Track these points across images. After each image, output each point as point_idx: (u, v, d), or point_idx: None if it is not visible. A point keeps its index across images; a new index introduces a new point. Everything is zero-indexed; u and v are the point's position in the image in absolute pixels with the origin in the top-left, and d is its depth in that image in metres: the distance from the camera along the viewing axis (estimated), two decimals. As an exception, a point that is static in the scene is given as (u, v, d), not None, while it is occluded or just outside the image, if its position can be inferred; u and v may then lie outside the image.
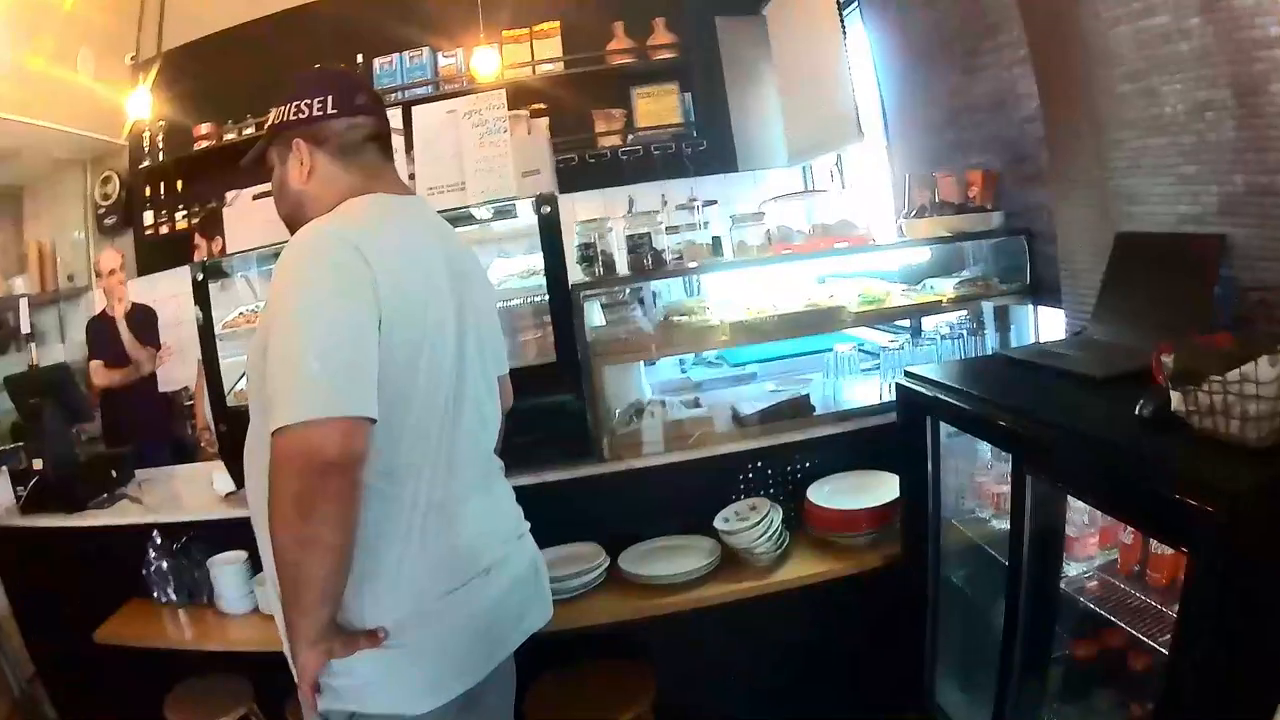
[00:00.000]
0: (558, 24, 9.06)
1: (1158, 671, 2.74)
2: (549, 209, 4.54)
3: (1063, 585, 3.18)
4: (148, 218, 9.51)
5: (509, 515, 3.17)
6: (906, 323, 5.89)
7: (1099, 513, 3.17)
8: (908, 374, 4.00)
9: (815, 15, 7.43)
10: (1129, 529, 3.02)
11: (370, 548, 2.59)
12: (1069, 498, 3.09)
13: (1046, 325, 5.08)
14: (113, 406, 7.87)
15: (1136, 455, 2.61)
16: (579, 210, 4.98)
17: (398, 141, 4.31)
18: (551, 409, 4.55)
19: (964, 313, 5.25)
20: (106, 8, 8.84)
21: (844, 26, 6.97)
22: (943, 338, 5.23)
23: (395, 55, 9.07)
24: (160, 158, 9.43)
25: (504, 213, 4.78)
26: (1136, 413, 2.75)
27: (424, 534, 2.72)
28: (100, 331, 7.90)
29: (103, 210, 9.79)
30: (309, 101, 2.87)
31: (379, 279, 2.53)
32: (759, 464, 4.82)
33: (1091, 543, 3.23)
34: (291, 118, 2.88)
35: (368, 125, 2.95)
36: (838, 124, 7.28)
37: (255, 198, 4.83)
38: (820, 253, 5.23)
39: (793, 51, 8.41)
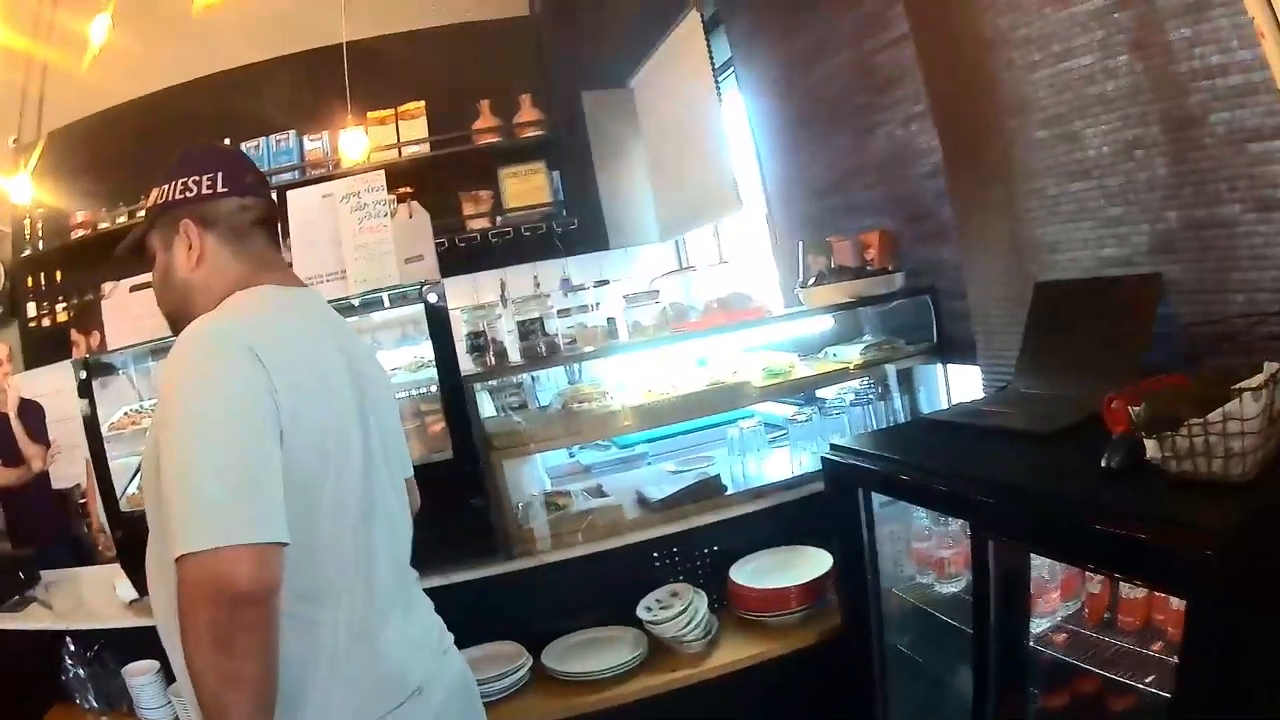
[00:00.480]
0: (423, 104, 8.88)
1: (1146, 709, 2.70)
2: (437, 298, 4.36)
3: (1029, 642, 3.08)
4: (30, 309, 9.09)
5: (432, 628, 2.90)
6: (800, 395, 5.71)
7: (1059, 567, 3.08)
8: (834, 447, 3.85)
9: (687, 84, 7.32)
10: (1095, 579, 2.97)
11: (293, 680, 2.30)
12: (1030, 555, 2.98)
13: (957, 384, 5.07)
14: (10, 505, 7.51)
15: (1117, 507, 2.51)
16: (450, 296, 4.75)
17: None
18: (452, 506, 4.33)
19: (866, 379, 5.13)
20: None
21: (720, 93, 6.84)
22: (851, 404, 5.10)
23: (261, 139, 8.78)
24: (40, 246, 9.08)
25: (396, 300, 4.59)
26: (1104, 464, 2.67)
27: (349, 659, 2.46)
28: None
29: None
30: (196, 179, 2.62)
31: (277, 384, 2.28)
32: (674, 548, 4.65)
33: (1054, 597, 3.13)
34: (177, 196, 2.62)
35: (257, 207, 2.70)
36: (715, 194, 7.12)
37: (133, 289, 4.60)
38: (721, 328, 5.08)
39: (662, 123, 8.32)
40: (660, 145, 8.52)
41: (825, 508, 3.98)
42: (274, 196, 2.87)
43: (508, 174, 8.99)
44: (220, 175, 2.63)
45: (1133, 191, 3.61)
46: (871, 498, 3.66)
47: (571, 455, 6.48)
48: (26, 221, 9.03)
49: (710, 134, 7.00)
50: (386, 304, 4.60)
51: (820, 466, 4.42)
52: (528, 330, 4.76)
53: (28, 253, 9.10)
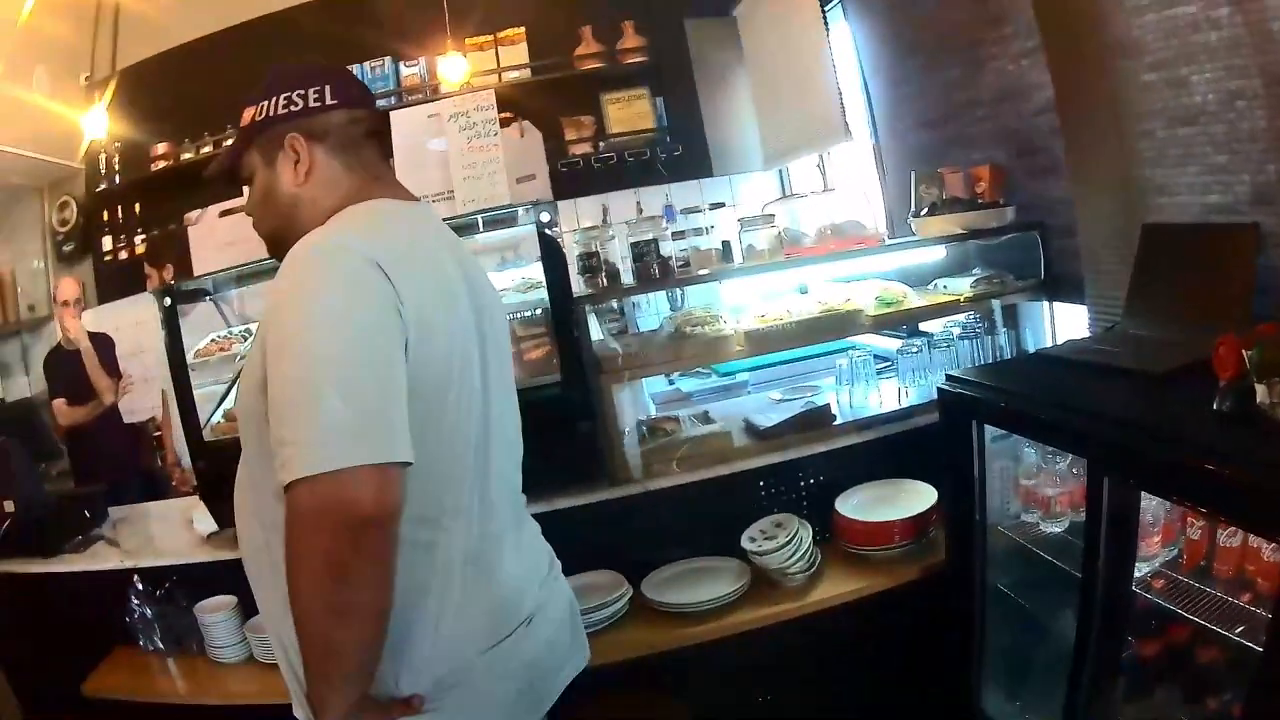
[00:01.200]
0: (523, 30, 8.76)
1: (1229, 661, 2.74)
2: (549, 218, 4.29)
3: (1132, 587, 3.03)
4: (106, 243, 9.07)
5: (542, 554, 2.86)
6: (902, 327, 5.67)
7: (1161, 511, 3.03)
8: (950, 378, 3.79)
9: (793, 13, 7.11)
10: (1195, 524, 2.92)
11: (405, 606, 2.24)
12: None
13: (1062, 322, 4.96)
14: (79, 441, 7.61)
15: (1232, 449, 2.46)
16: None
17: None
18: (559, 431, 4.26)
19: (973, 313, 5.05)
20: (61, 24, 8.54)
21: (826, 23, 6.63)
22: (959, 338, 5.01)
23: (356, 66, 8.65)
24: (117, 181, 9.02)
25: (497, 222, 4.52)
26: (1215, 407, 2.65)
27: (464, 586, 2.40)
28: (58, 365, 7.63)
29: (61, 237, 9.38)
30: (303, 92, 2.52)
31: (403, 298, 2.19)
32: (781, 478, 4.59)
33: (1155, 541, 3.07)
34: (280, 110, 2.52)
35: (368, 119, 2.62)
36: (821, 124, 6.93)
37: (222, 214, 4.59)
38: (838, 254, 4.97)
39: (767, 52, 8.09)
40: (764, 74, 8.32)
41: (936, 440, 3.94)
42: None
43: (610, 100, 8.89)
44: (328, 88, 2.53)
45: (1236, 141, 3.54)
46: (984, 430, 3.61)
47: (671, 382, 6.46)
48: (102, 157, 9.00)
49: (817, 63, 6.76)
50: (494, 224, 4.55)
51: (925, 399, 4.54)
52: (642, 252, 4.70)
53: (103, 187, 9.08)
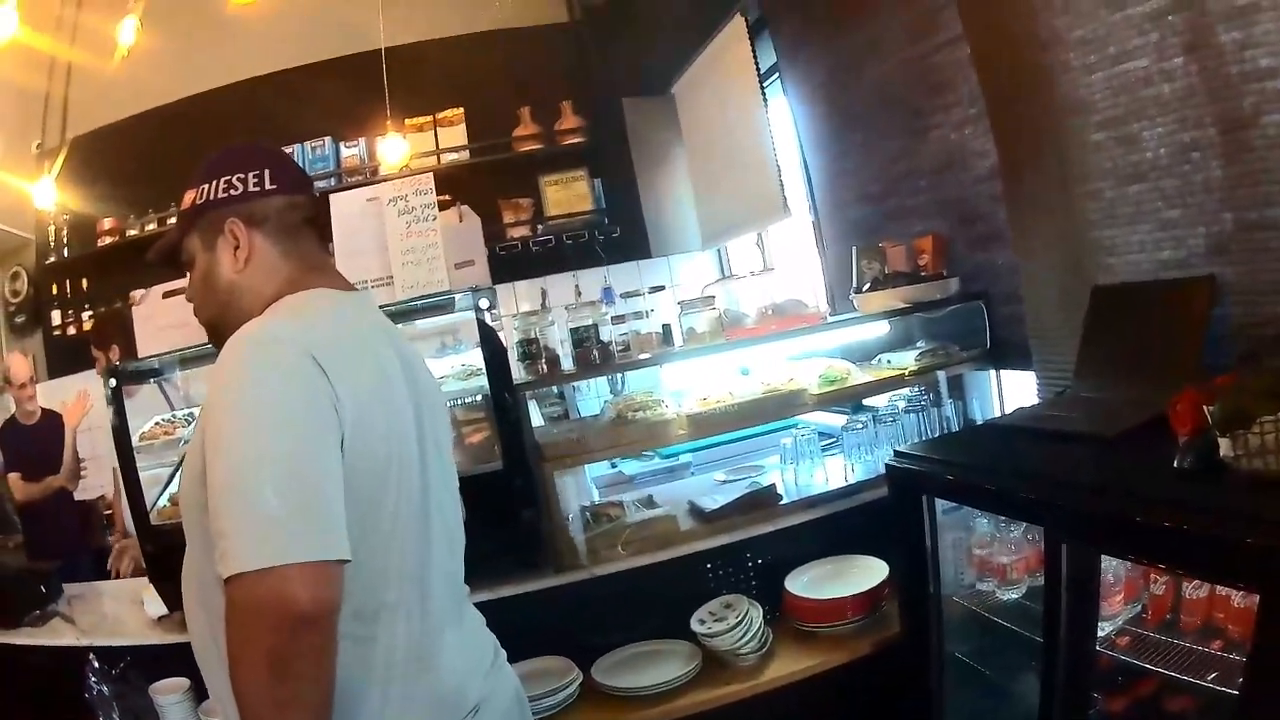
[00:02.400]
0: (462, 111, 8.85)
1: (1201, 708, 2.72)
2: (488, 304, 4.24)
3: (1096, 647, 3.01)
4: (55, 318, 8.98)
5: (486, 645, 2.77)
6: (847, 404, 5.65)
7: (1123, 569, 3.05)
8: (898, 454, 3.80)
9: (731, 90, 7.30)
10: (1160, 580, 2.94)
11: (346, 702, 2.16)
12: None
13: (1010, 390, 4.99)
14: (32, 516, 7.16)
15: (1195, 505, 2.47)
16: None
17: None
18: (502, 518, 4.23)
19: (918, 386, 5.04)
20: (11, 92, 8.61)
21: (765, 99, 6.72)
22: (905, 411, 4.98)
23: (296, 145, 8.66)
24: (65, 253, 8.97)
25: (437, 308, 4.48)
26: (1176, 464, 2.67)
27: (405, 680, 2.32)
28: (14, 438, 7.51)
29: (13, 308, 9.31)
30: (243, 176, 2.47)
31: (338, 392, 2.14)
32: (728, 560, 4.54)
33: (1117, 600, 3.07)
34: (221, 194, 2.47)
35: (306, 206, 2.57)
36: (760, 202, 6.98)
37: (166, 295, 4.50)
38: (780, 334, 4.95)
39: (705, 129, 8.18)
40: (703, 152, 8.40)
41: (885, 515, 3.91)
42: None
43: (549, 181, 8.95)
44: (268, 172, 2.49)
45: (1190, 194, 3.57)
46: (935, 504, 3.61)
47: (614, 465, 6.42)
48: (51, 228, 8.95)
49: (755, 140, 6.91)
50: (434, 310, 4.50)
51: (871, 474, 4.54)
52: (581, 337, 4.67)
53: (52, 259, 9.00)
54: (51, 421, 7.57)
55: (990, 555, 3.64)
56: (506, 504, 4.26)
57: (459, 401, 4.48)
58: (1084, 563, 2.86)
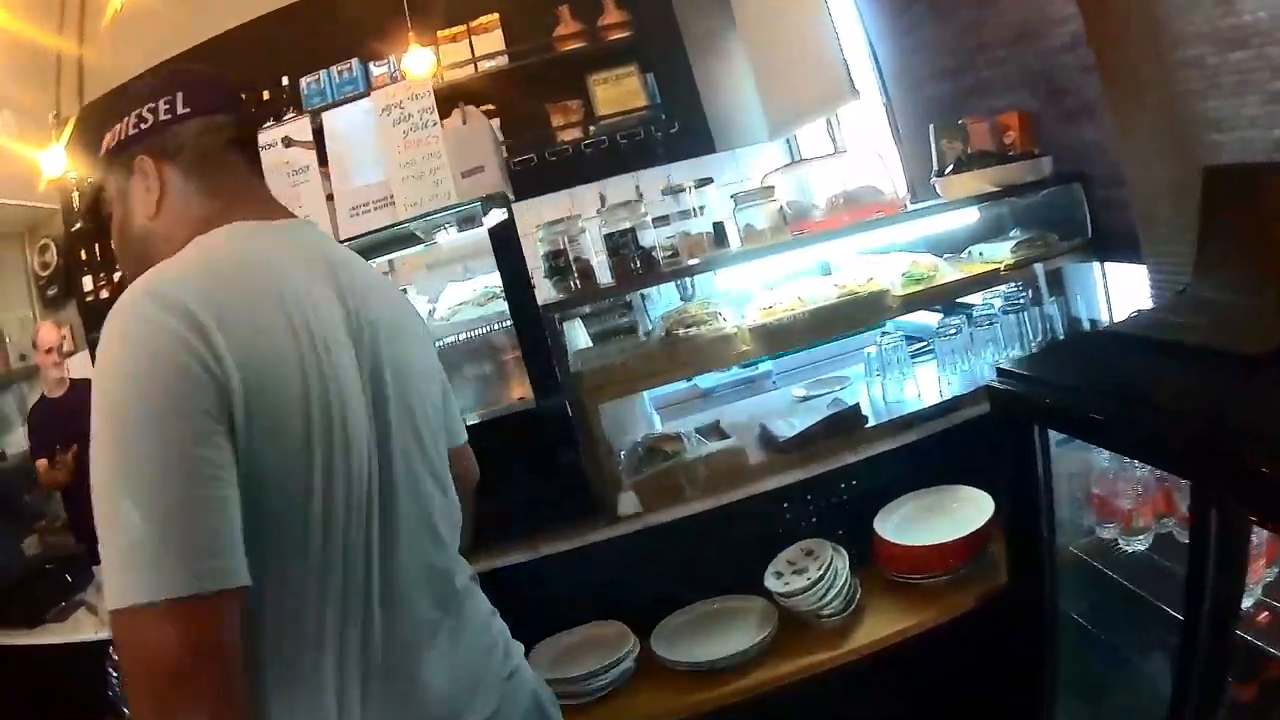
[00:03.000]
0: (496, 16, 8.19)
1: None
2: (501, 212, 3.70)
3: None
4: (87, 283, 8.56)
5: (493, 649, 2.30)
6: (940, 303, 4.93)
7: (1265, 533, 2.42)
8: (1001, 372, 3.17)
9: None
10: None
11: None
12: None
13: (1117, 285, 4.41)
14: (67, 497, 7.35)
15: None
16: (546, 215, 4.07)
17: (306, 158, 3.69)
18: (537, 465, 3.74)
19: (1015, 282, 4.41)
20: (25, 65, 8.26)
21: None
22: (1003, 312, 4.33)
23: (321, 72, 8.14)
24: (89, 218, 8.50)
25: (436, 228, 4.06)
26: None
27: (371, 707, 1.93)
28: (44, 418, 7.42)
29: (43, 281, 9.07)
30: (153, 105, 2.10)
31: (228, 358, 1.73)
32: (807, 497, 3.95)
33: (1259, 564, 2.51)
34: (131, 131, 2.10)
35: (228, 127, 2.16)
36: (826, 86, 6.45)
37: None
38: (851, 227, 4.29)
39: (760, 14, 7.66)
40: (760, 38, 7.84)
41: (986, 436, 3.33)
42: (251, 114, 2.43)
43: (597, 80, 8.33)
44: (180, 95, 2.11)
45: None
46: (1048, 434, 3.03)
47: (688, 380, 5.93)
48: (75, 194, 8.55)
49: (815, 20, 6.35)
50: (445, 228, 4.05)
51: (970, 387, 4.12)
52: (618, 245, 4.07)
53: (78, 226, 8.58)
54: (80, 392, 7.20)
55: (1111, 496, 3.07)
56: (540, 446, 3.77)
57: (477, 332, 4.02)
58: (1238, 529, 2.29)
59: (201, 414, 1.67)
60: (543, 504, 3.74)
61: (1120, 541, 3.03)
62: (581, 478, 3.81)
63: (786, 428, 4.14)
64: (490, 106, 7.50)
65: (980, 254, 4.44)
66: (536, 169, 7.91)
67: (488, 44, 8.14)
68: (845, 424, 4.08)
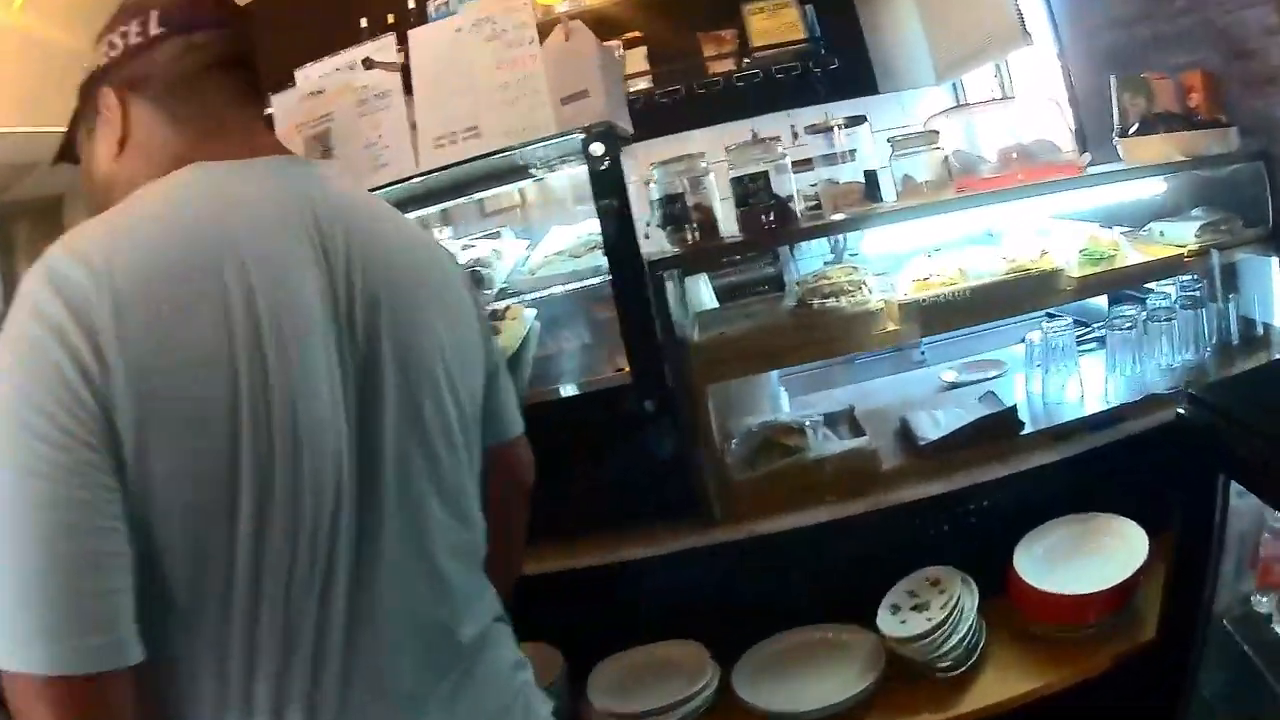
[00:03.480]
0: (641, -68, 7.65)
1: None
2: (603, 149, 3.15)
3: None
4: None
5: (505, 713, 1.86)
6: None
7: None
8: (1194, 400, 2.66)
9: None
10: None
11: None
12: None
13: None
14: None
15: None
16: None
17: (390, 82, 3.37)
18: (627, 452, 3.26)
19: (1192, 272, 3.74)
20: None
21: None
22: (1183, 306, 3.69)
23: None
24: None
25: (515, 170, 3.58)
26: None
27: None
28: None
29: None
30: (124, 29, 1.77)
31: (117, 366, 1.37)
32: (943, 513, 3.34)
33: None
34: (102, 62, 1.79)
35: (210, 45, 1.79)
36: (996, 27, 5.89)
37: None
38: (1026, 189, 3.63)
39: None
40: None
41: (1152, 466, 2.94)
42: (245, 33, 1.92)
43: (753, 9, 7.62)
44: (154, 14, 1.76)
45: None
46: (1230, 487, 2.53)
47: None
48: None
49: None
50: (546, 165, 3.54)
51: (1136, 395, 3.52)
52: (748, 190, 3.45)
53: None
54: None
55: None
56: (632, 430, 3.24)
57: (579, 290, 3.54)
58: None
59: (78, 444, 1.34)
60: (629, 498, 3.27)
61: (1275, 621, 2.57)
62: (679, 471, 3.29)
63: (930, 425, 3.56)
64: (638, 33, 7.15)
65: (1162, 233, 3.83)
66: (686, 101, 7.37)
67: None
68: (998, 428, 3.49)
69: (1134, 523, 3.19)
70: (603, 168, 3.16)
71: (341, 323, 1.61)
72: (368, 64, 3.46)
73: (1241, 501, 2.57)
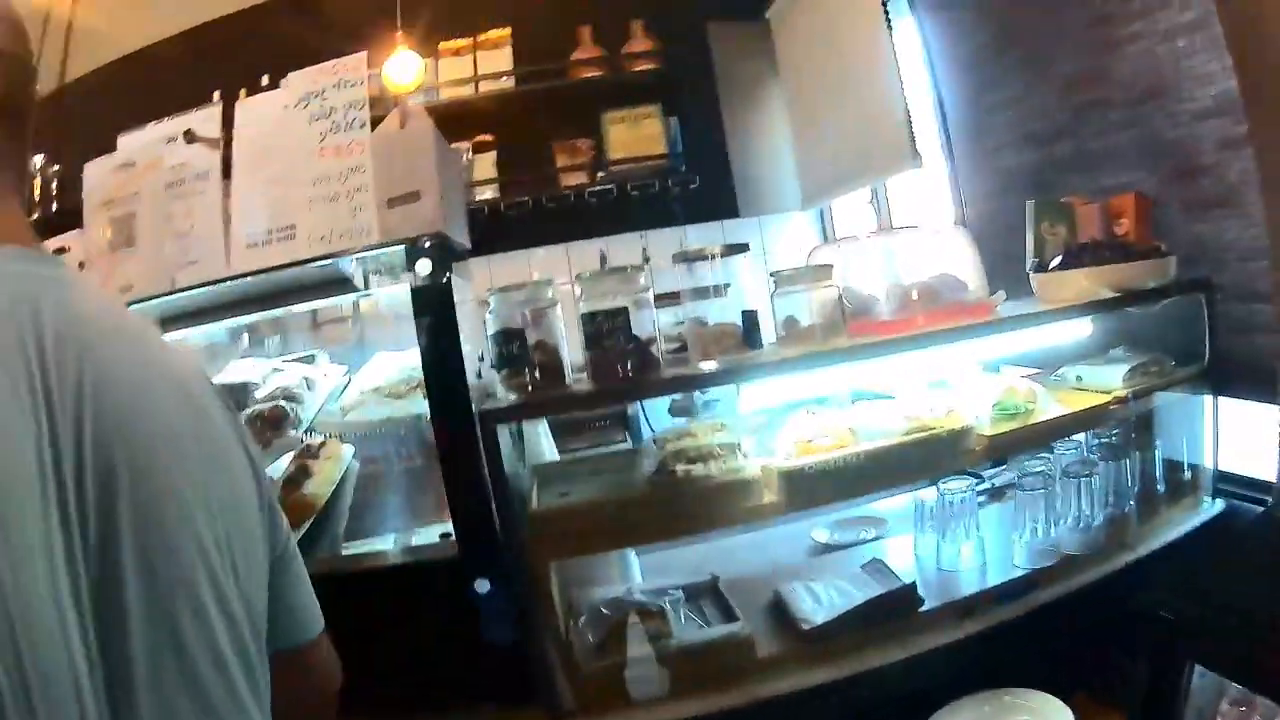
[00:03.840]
0: (508, 31, 7.26)
1: None
2: (430, 267, 2.60)
3: None
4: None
5: None
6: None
7: None
8: (1159, 607, 2.66)
9: (843, 11, 6.03)
10: None
11: None
12: None
13: (1231, 428, 3.53)
14: None
15: None
16: (536, 271, 3.03)
17: (208, 161, 2.89)
18: (459, 639, 2.70)
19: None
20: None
21: (889, 20, 5.43)
22: (1103, 459, 3.32)
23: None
24: (54, 207, 7.65)
25: (330, 283, 3.01)
26: None
27: None
28: None
29: None
30: None
31: None
32: (832, 703, 2.83)
33: None
34: None
35: None
36: (879, 148, 5.66)
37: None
38: (937, 335, 3.11)
39: (809, 58, 6.82)
40: (805, 86, 6.99)
41: (1069, 633, 2.94)
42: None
43: (613, 118, 7.29)
44: None
45: None
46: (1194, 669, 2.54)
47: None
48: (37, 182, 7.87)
49: (875, 69, 5.59)
50: (361, 281, 2.98)
51: (1051, 559, 3.16)
52: (602, 329, 2.87)
53: (36, 216, 7.79)
54: None
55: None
56: (465, 619, 2.71)
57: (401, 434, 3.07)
58: None
59: None
60: (458, 681, 2.72)
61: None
62: (523, 662, 2.76)
63: (810, 603, 3.04)
64: (488, 137, 6.94)
65: (1079, 378, 3.48)
66: (533, 215, 7.03)
67: (495, 62, 7.25)
68: (893, 606, 2.99)
69: (1051, 697, 2.81)
70: (428, 289, 2.63)
71: (68, 505, 1.19)
72: (189, 137, 2.96)
73: (1201, 680, 2.56)
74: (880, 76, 5.51)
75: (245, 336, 3.94)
